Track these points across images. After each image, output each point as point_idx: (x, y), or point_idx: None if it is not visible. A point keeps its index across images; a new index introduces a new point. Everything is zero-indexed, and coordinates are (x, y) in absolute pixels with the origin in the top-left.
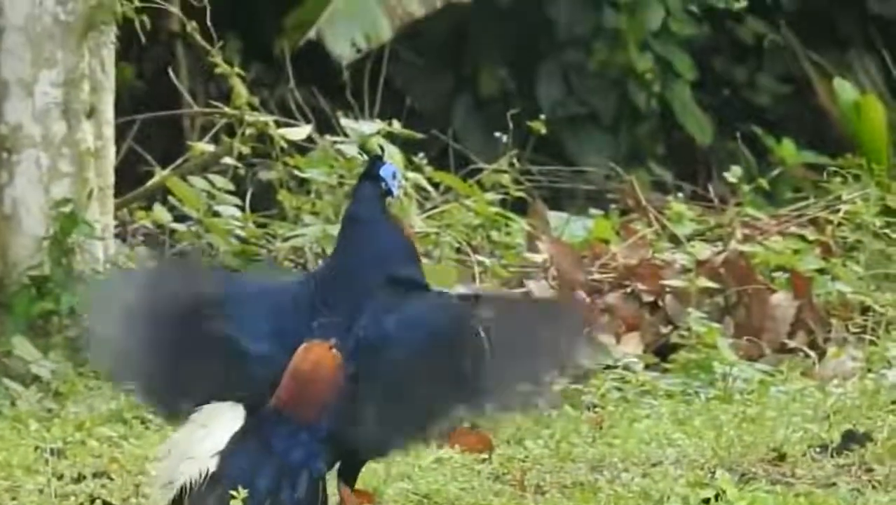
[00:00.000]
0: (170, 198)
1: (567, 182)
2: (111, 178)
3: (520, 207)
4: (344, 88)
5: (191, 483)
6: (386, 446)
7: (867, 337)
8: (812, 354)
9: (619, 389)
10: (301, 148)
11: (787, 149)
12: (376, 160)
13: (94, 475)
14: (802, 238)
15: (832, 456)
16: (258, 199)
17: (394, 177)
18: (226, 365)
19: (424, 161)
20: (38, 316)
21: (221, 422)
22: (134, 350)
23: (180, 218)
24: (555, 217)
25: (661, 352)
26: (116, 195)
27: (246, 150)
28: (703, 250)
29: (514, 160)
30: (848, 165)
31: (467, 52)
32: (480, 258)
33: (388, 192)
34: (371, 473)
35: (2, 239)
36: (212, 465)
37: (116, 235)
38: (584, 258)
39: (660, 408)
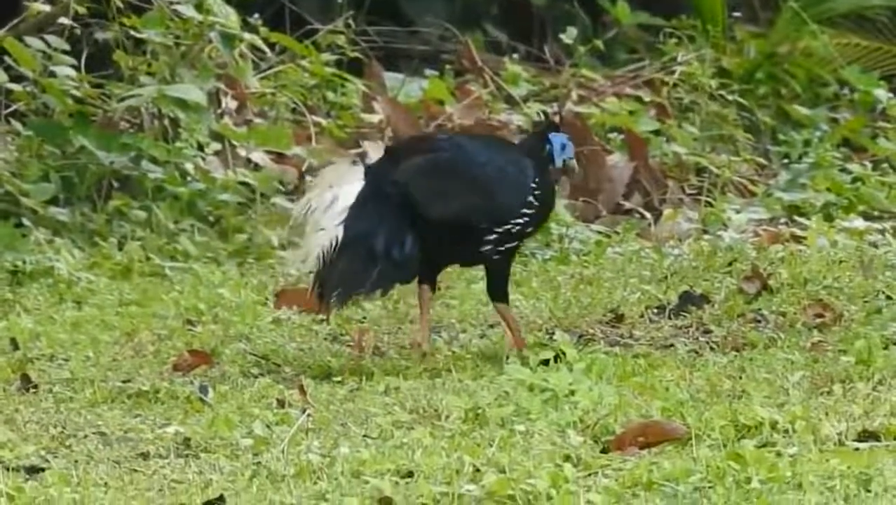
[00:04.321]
0: (5, 58)
1: (403, 43)
2: None
3: (356, 68)
4: None
5: (324, 253)
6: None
7: (703, 198)
8: (648, 215)
9: None
10: (137, 8)
11: (622, 10)
12: (550, 126)
13: None
14: (638, 99)
15: (670, 317)
16: (94, 60)
17: (563, 148)
18: None
19: (260, 22)
20: None
21: (346, 183)
22: None
23: (16, 78)
24: (390, 78)
25: None
26: None
27: (82, 10)
28: (539, 111)
29: (350, 21)
30: (683, 27)
31: None
32: (316, 118)
33: (549, 159)
34: (209, 334)
35: None
36: (339, 232)
37: None
38: (420, 119)
39: None
